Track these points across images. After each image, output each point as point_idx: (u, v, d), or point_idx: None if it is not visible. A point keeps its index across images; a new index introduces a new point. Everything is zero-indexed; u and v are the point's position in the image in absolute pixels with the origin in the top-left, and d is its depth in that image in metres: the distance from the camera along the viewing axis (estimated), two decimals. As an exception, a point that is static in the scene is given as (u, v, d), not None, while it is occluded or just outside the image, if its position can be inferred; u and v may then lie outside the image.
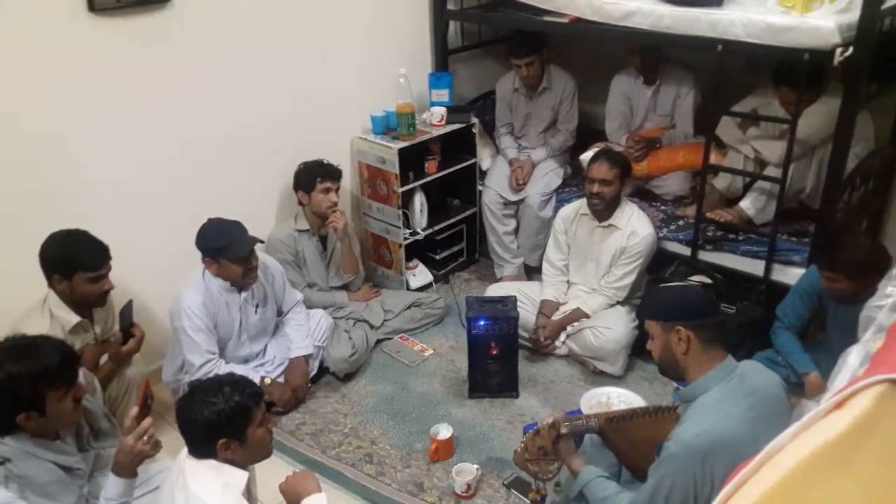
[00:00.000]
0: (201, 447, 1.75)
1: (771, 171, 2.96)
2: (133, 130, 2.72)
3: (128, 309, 2.52)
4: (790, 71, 2.80)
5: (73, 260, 2.28)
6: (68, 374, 1.86)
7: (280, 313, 2.98)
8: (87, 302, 2.38)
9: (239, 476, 1.76)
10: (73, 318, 2.35)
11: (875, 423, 0.67)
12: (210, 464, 1.75)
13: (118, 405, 2.50)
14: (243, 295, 2.73)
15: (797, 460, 0.64)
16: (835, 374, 1.01)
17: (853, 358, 0.98)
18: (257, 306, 2.81)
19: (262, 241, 2.67)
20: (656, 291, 2.10)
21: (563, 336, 3.12)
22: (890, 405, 0.69)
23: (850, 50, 2.42)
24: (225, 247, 2.58)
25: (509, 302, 2.93)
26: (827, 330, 2.66)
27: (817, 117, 2.82)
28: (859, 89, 2.53)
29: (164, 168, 2.85)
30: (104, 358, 2.49)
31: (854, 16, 2.44)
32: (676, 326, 1.76)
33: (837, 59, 2.43)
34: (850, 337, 1.31)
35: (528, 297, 3.22)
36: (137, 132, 2.74)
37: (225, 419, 1.71)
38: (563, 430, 2.02)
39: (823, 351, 2.62)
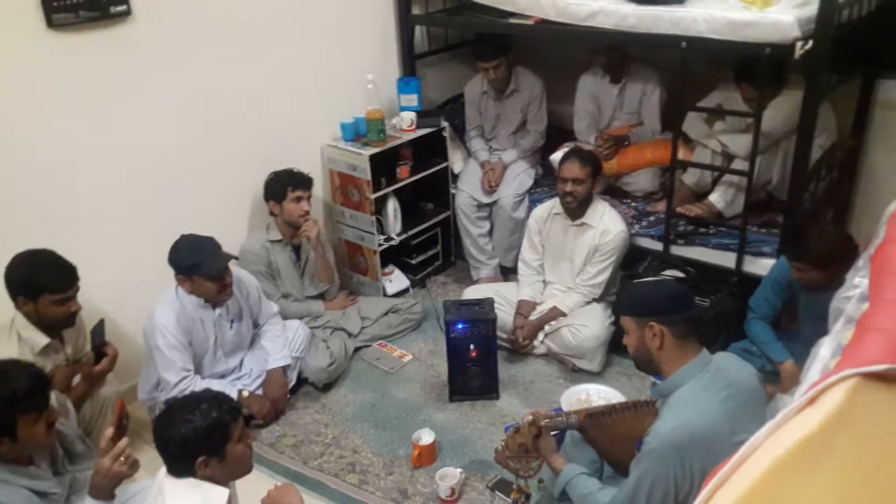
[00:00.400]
0: (180, 465, 1.73)
1: (738, 165, 3.00)
2: (98, 146, 2.68)
3: (99, 328, 2.47)
4: (750, 69, 2.85)
5: (39, 282, 2.23)
6: (39, 397, 1.82)
7: (256, 326, 2.95)
8: (56, 324, 2.33)
9: (219, 493, 1.73)
10: (43, 340, 2.30)
11: (847, 418, 0.68)
12: (189, 482, 1.73)
13: (93, 426, 2.46)
14: (218, 311, 2.70)
15: (773, 458, 0.65)
16: (807, 366, 1.02)
17: (824, 350, 0.99)
18: (232, 321, 2.77)
19: (236, 258, 2.65)
20: (631, 287, 2.12)
21: (541, 335, 3.13)
22: (861, 399, 0.70)
23: (810, 43, 2.47)
24: (198, 264, 2.54)
25: (486, 304, 2.94)
26: (799, 318, 2.71)
27: (781, 110, 2.87)
28: (820, 81, 2.58)
29: (132, 182, 2.81)
30: (76, 379, 2.44)
31: (812, 9, 2.49)
32: (650, 322, 1.77)
33: (798, 52, 2.48)
34: (822, 324, 1.33)
35: (505, 299, 3.23)
36: (102, 147, 2.69)
37: (203, 436, 1.69)
38: (543, 426, 2.03)
39: (797, 339, 2.66)
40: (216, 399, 1.76)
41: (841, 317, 1.07)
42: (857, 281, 1.14)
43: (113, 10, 2.58)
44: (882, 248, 1.10)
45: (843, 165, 3.26)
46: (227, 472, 1.77)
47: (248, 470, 1.85)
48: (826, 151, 3.00)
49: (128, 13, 2.62)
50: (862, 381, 0.73)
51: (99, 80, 2.62)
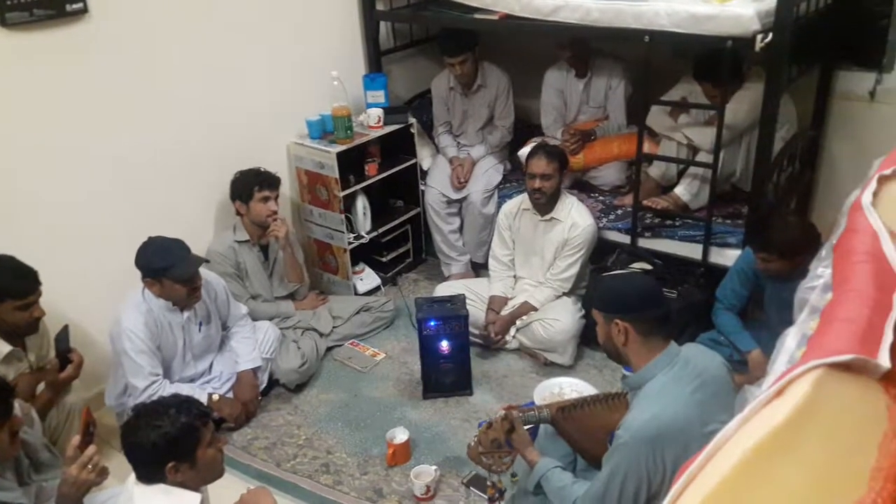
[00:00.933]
0: (150, 472, 1.70)
1: (702, 157, 3.04)
2: (58, 147, 2.62)
3: (63, 334, 2.43)
4: (708, 67, 2.89)
5: (0, 288, 2.18)
6: (2, 406, 1.79)
7: (225, 328, 2.91)
8: (18, 330, 2.29)
9: (191, 499, 1.71)
10: (5, 348, 2.25)
11: (814, 409, 0.70)
12: (160, 488, 1.70)
13: (59, 434, 2.41)
14: (186, 314, 2.66)
15: (743, 451, 0.65)
16: (774, 357, 1.04)
17: (790, 340, 1.01)
18: (201, 324, 2.73)
19: (207, 261, 2.61)
20: (602, 281, 2.12)
21: (512, 330, 3.15)
22: (827, 390, 0.72)
23: (770, 36, 2.51)
24: (168, 267, 2.49)
25: (458, 300, 2.94)
26: (765, 308, 2.76)
27: (743, 103, 2.91)
28: (781, 74, 2.62)
29: (93, 184, 2.75)
30: (41, 386, 2.40)
31: (771, 3, 2.53)
32: (615, 319, 1.79)
33: (759, 45, 2.52)
34: (788, 313, 1.35)
35: (476, 294, 3.24)
36: (63, 149, 2.63)
37: (172, 441, 1.67)
38: (516, 420, 2.04)
39: (763, 328, 2.71)
40: (185, 404, 1.74)
41: (806, 307, 1.09)
42: (821, 271, 1.16)
43: (69, 7, 2.52)
44: (844, 237, 1.13)
45: (804, 156, 3.32)
46: (198, 478, 1.75)
47: (219, 474, 1.83)
48: (787, 142, 3.06)
49: (84, 11, 2.56)
50: (827, 372, 0.74)
51: (56, 79, 2.56)
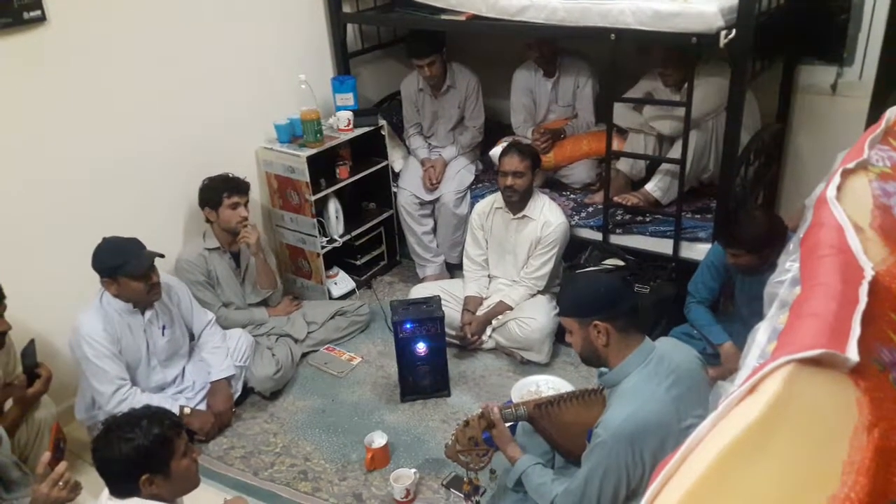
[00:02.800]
0: (123, 486, 1.67)
1: (672, 153, 3.07)
2: (20, 156, 2.56)
3: (30, 348, 2.38)
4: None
5: (-37, 304, 2.13)
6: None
7: (192, 336, 2.87)
8: (-17, 347, 2.23)
9: None
10: (-30, 366, 2.19)
11: (786, 405, 0.70)
12: (134, 502, 1.67)
13: (29, 451, 2.37)
14: (147, 315, 2.62)
15: (718, 450, 0.66)
16: (745, 352, 1.05)
17: (761, 335, 1.02)
18: (164, 328, 2.70)
19: (161, 255, 2.57)
20: (568, 288, 2.12)
21: (489, 330, 3.15)
22: (797, 385, 0.72)
23: (734, 32, 2.54)
24: (123, 264, 2.47)
25: (433, 302, 2.93)
26: (736, 300, 2.80)
27: (700, 96, 2.93)
28: (745, 69, 2.65)
29: (57, 195, 2.70)
30: (9, 403, 2.35)
31: (735, -1, 2.56)
32: (594, 322, 1.79)
33: (723, 41, 2.55)
34: (759, 306, 1.36)
35: (451, 295, 3.23)
36: (25, 159, 2.58)
37: (145, 454, 1.65)
38: (494, 418, 2.04)
39: (735, 320, 2.75)
40: (157, 415, 1.71)
41: (775, 301, 1.10)
42: (789, 265, 1.17)
43: (26, 15, 2.46)
44: (810, 231, 1.14)
45: (769, 149, 3.37)
46: (173, 489, 1.73)
47: (194, 485, 1.80)
48: (753, 136, 3.10)
49: (42, 19, 2.51)
50: (798, 367, 0.75)
51: (14, 89, 2.50)
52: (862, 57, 3.19)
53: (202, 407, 2.77)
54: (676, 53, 2.91)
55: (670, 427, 1.66)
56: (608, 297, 1.81)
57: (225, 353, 2.85)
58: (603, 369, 1.86)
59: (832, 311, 0.86)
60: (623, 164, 3.31)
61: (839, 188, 1.21)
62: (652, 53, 3.10)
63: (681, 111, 2.86)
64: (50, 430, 2.23)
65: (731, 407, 0.71)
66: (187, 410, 2.68)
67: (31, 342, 2.39)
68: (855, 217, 1.11)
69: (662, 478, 0.65)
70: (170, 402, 2.64)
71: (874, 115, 3.07)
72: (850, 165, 1.26)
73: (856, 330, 0.83)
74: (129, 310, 2.58)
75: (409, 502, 2.43)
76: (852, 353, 0.78)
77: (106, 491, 1.71)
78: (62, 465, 1.84)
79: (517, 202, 3.07)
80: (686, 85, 2.81)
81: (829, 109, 3.35)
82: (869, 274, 0.96)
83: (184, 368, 2.83)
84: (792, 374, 0.73)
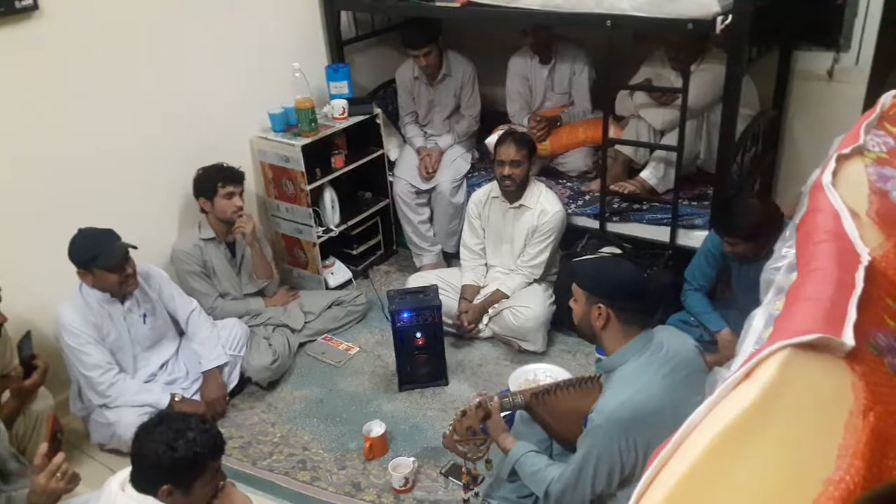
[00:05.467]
0: (144, 483, 1.66)
1: (668, 140, 3.06)
2: (13, 147, 2.55)
3: (26, 340, 2.38)
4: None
5: (-42, 296, 2.13)
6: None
7: (176, 323, 2.87)
8: (-21, 339, 2.23)
9: None
10: (-34, 358, 2.19)
11: (782, 390, 0.70)
12: (150, 501, 1.66)
13: (27, 443, 2.37)
14: (126, 304, 2.63)
15: (713, 435, 0.66)
16: (742, 337, 1.05)
17: (758, 321, 1.02)
18: (145, 316, 2.71)
19: (134, 247, 2.57)
20: (592, 262, 2.07)
21: (486, 319, 3.15)
22: (793, 370, 0.72)
23: (730, 17, 2.53)
24: (95, 256, 2.47)
25: (431, 291, 2.93)
26: (732, 287, 2.80)
27: (702, 84, 2.93)
28: (741, 55, 2.64)
29: (50, 186, 2.68)
30: (6, 395, 2.35)
31: (731, -16, 2.54)
32: (598, 303, 1.79)
33: (719, 27, 2.53)
34: (756, 293, 1.36)
35: (449, 284, 3.23)
36: (19, 148, 2.56)
37: (177, 467, 1.63)
38: (490, 408, 2.05)
39: (732, 307, 2.76)
40: (205, 433, 1.69)
41: (772, 287, 1.10)
42: (785, 251, 1.17)
43: (18, 4, 2.44)
44: (806, 217, 1.14)
45: (766, 136, 3.36)
46: None
47: None
48: (749, 123, 3.09)
49: (34, 7, 2.49)
50: (794, 352, 0.75)
51: (6, 78, 2.48)
52: (858, 42, 3.17)
53: (197, 398, 2.77)
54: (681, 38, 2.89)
55: (665, 415, 1.66)
56: (623, 289, 1.79)
57: (215, 341, 2.84)
58: (600, 355, 1.86)
59: (828, 296, 0.86)
60: (628, 149, 3.30)
61: (835, 174, 1.21)
62: (655, 40, 3.08)
63: (673, 105, 2.85)
64: (47, 422, 2.23)
65: (726, 392, 0.71)
66: (178, 398, 2.68)
67: (28, 334, 2.39)
68: (851, 202, 1.11)
69: (659, 462, 0.65)
70: (160, 390, 2.65)
71: (871, 101, 3.04)
72: (846, 151, 1.26)
73: (852, 315, 0.83)
74: (108, 299, 2.59)
75: (407, 491, 2.43)
76: (848, 338, 0.78)
77: (116, 479, 1.70)
78: (59, 456, 1.84)
79: (514, 191, 3.07)
80: (691, 69, 2.80)
81: (825, 95, 3.34)
82: (865, 259, 0.96)
83: (174, 355, 2.83)
84: (787, 359, 0.73)
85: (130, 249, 2.55)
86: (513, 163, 2.98)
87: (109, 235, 2.52)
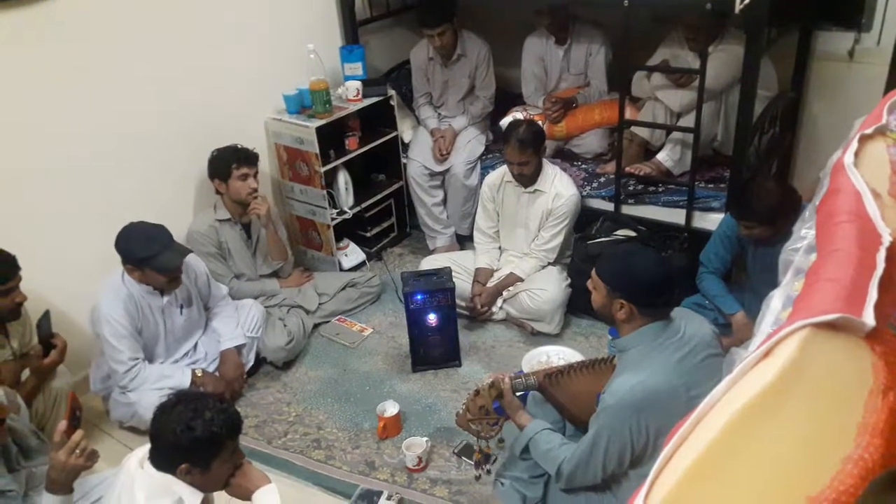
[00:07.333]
0: (163, 462, 1.69)
1: (684, 122, 3.03)
2: (32, 130, 2.56)
3: (45, 319, 2.40)
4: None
5: (-21, 275, 2.15)
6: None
7: (206, 308, 2.89)
8: (0, 317, 2.26)
9: (192, 499, 1.70)
10: (-14, 336, 2.22)
11: (801, 368, 0.70)
12: (168, 479, 1.68)
13: (46, 420, 2.41)
14: (166, 298, 2.63)
15: (732, 413, 0.66)
16: (759, 319, 1.04)
17: (776, 302, 1.01)
18: (182, 307, 2.71)
19: (190, 251, 2.58)
20: (617, 254, 1.98)
21: (499, 301, 3.15)
22: (813, 349, 0.72)
23: (750, -2, 2.49)
24: (152, 256, 2.45)
25: (444, 273, 2.93)
26: (748, 271, 2.78)
27: (719, 64, 2.89)
28: (761, 36, 2.61)
29: (69, 168, 2.70)
30: (26, 373, 2.38)
31: (751, -36, 2.50)
32: (620, 299, 1.77)
33: (738, 7, 2.50)
34: (772, 276, 1.35)
35: (462, 267, 3.23)
36: (36, 131, 2.57)
37: (195, 446, 1.64)
38: (504, 387, 2.05)
39: (747, 291, 2.74)
40: (223, 413, 1.70)
41: (790, 268, 1.09)
42: (804, 232, 1.16)
43: (36, -14, 2.45)
44: (827, 198, 1.13)
45: (784, 118, 3.32)
46: (206, 484, 1.72)
47: (221, 488, 1.80)
48: (768, 105, 3.06)
49: (49, -10, 2.49)
50: (813, 332, 0.74)
51: (25, 61, 2.49)
52: (880, 22, 3.12)
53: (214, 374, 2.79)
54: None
55: (678, 399, 1.66)
56: (647, 288, 1.75)
57: (235, 322, 2.87)
58: (613, 335, 1.85)
59: (849, 277, 0.86)
60: (644, 131, 3.27)
61: (857, 154, 1.19)
62: (672, 20, 3.04)
63: (691, 87, 2.82)
64: (66, 399, 2.26)
65: (745, 370, 0.71)
66: (199, 373, 2.69)
67: (47, 313, 2.41)
68: (872, 183, 1.10)
69: (678, 438, 0.65)
70: (181, 372, 2.67)
71: (893, 82, 3.03)
72: (868, 131, 1.24)
73: (872, 295, 0.83)
74: (150, 291, 2.58)
75: (420, 470, 2.45)
76: (868, 318, 0.78)
77: (134, 457, 1.72)
78: (78, 434, 1.86)
79: (528, 179, 3.05)
80: (709, 49, 2.77)
81: (845, 76, 3.29)
82: (886, 240, 0.95)
83: (196, 342, 2.85)
84: (808, 338, 0.73)
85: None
86: (521, 164, 2.96)
87: (165, 234, 2.49)
